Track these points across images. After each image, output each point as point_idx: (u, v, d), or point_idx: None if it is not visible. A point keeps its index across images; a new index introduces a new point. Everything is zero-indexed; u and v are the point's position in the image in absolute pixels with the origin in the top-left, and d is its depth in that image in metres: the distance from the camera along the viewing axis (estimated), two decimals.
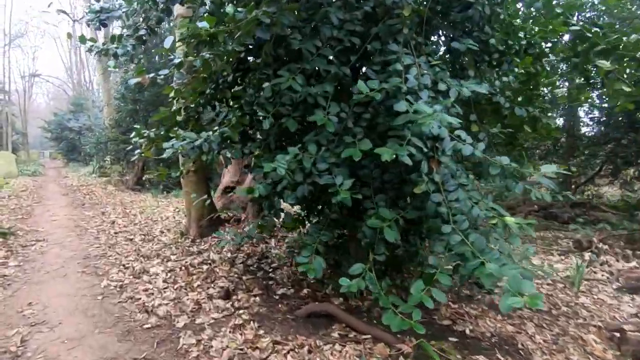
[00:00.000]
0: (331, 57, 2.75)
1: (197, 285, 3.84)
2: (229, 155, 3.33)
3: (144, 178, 14.43)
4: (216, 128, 2.97)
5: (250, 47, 2.89)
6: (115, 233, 6.08)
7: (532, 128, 3.80)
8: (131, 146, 3.75)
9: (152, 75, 2.89)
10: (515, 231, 2.22)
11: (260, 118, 3.08)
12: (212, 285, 3.86)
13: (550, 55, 3.84)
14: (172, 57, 2.82)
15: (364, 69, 3.02)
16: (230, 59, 2.68)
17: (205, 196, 5.48)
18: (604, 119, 9.12)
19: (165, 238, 5.61)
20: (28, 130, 37.98)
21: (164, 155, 3.05)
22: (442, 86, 2.57)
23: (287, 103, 2.59)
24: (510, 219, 2.25)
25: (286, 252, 4.97)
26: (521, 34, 3.57)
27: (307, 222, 3.84)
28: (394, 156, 2.06)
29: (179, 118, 3.67)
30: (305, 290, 3.78)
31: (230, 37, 2.34)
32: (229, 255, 4.76)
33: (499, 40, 3.32)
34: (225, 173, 6.98)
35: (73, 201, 9.48)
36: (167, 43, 2.50)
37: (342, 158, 2.51)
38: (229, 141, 3.03)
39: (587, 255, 5.16)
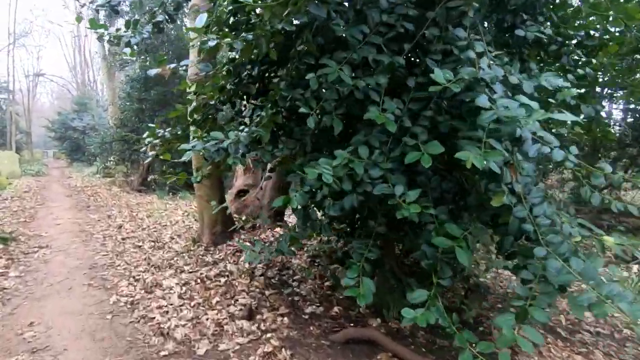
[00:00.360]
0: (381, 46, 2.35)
1: (216, 302, 3.46)
2: (247, 157, 2.95)
3: (149, 179, 14.10)
4: (242, 127, 2.59)
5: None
6: (123, 239, 5.70)
7: (586, 129, 3.40)
8: (142, 147, 3.39)
9: (173, 65, 2.52)
10: (617, 252, 1.83)
11: (294, 117, 2.71)
12: (233, 302, 3.47)
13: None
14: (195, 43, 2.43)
15: (414, 61, 2.62)
16: (274, 42, 2.28)
17: (215, 202, 5.12)
18: (631, 119, 8.68)
19: (176, 245, 5.22)
20: (32, 129, 37.79)
21: (184, 158, 2.67)
22: (513, 79, 2.18)
23: (333, 98, 2.20)
24: (609, 239, 1.85)
25: (308, 262, 4.58)
26: (577, 23, 3.17)
27: (339, 235, 3.46)
28: (475, 163, 1.67)
29: (196, 116, 3.29)
30: (336, 309, 3.39)
31: (275, 16, 1.95)
32: (247, 266, 4.38)
33: (556, 30, 2.93)
34: (238, 176, 6.61)
35: (77, 203, 9.11)
36: (201, 21, 2.12)
37: (395, 164, 2.13)
38: (258, 142, 2.64)
39: None
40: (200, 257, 4.71)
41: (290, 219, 7.00)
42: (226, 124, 3.93)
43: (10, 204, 8.38)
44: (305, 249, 5.14)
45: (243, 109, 3.75)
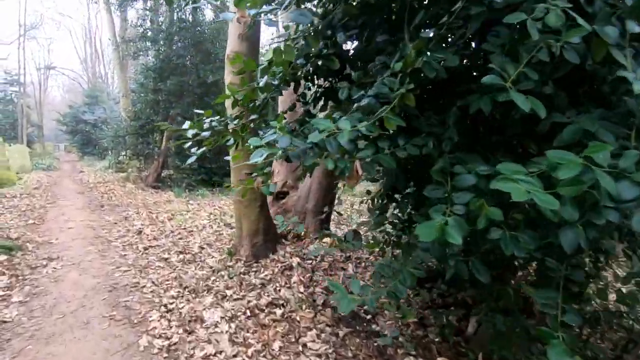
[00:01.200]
0: None
1: (280, 349, 2.59)
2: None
3: (163, 174, 13.33)
4: (354, 112, 1.68)
5: None
6: (145, 249, 4.86)
7: None
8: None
9: (254, 12, 1.63)
10: None
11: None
12: (301, 349, 2.60)
13: None
14: None
15: None
16: None
17: (256, 207, 4.26)
18: None
19: (210, 259, 4.36)
20: (44, 123, 37.37)
21: (254, 160, 1.78)
22: None
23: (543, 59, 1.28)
24: None
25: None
26: None
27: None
28: None
29: (257, 101, 2.40)
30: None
31: None
32: (301, 289, 3.51)
33: None
34: (274, 175, 5.72)
35: (90, 201, 8.32)
36: None
37: None
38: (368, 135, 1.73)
39: None
40: (243, 276, 3.84)
41: (340, 227, 6.13)
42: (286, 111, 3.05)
43: (20, 202, 7.61)
44: (364, 263, 4.28)
45: (307, 90, 2.85)
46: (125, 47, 17.52)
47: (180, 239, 5.34)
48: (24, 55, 28.28)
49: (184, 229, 5.88)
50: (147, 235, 5.52)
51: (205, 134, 2.26)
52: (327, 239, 4.72)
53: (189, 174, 12.43)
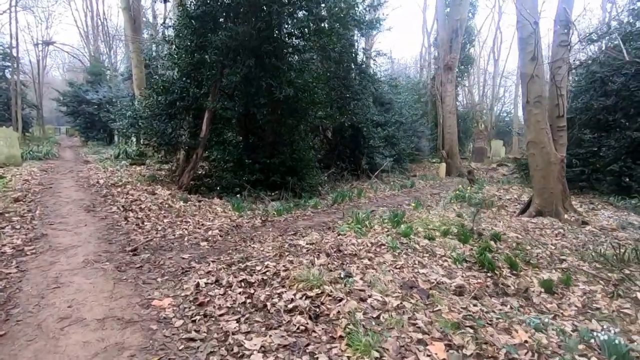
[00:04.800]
0: None
1: None
2: None
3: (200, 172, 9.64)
4: None
5: None
6: None
7: None
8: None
9: None
10: None
11: None
12: None
13: None
14: None
15: None
16: None
17: None
18: None
19: None
20: (43, 104, 33.27)
21: None
22: None
23: None
24: None
25: None
26: None
27: None
28: None
29: None
30: None
31: None
32: None
33: None
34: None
35: (108, 234, 4.60)
36: None
37: None
38: None
39: None
40: None
41: None
42: None
43: None
44: None
45: None
46: (137, 5, 13.57)
47: None
48: (17, 26, 23.89)
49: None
50: None
51: None
52: None
53: (232, 173, 8.70)
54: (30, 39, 39.05)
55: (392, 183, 11.13)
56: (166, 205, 6.08)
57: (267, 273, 3.22)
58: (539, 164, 6.50)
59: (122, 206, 5.82)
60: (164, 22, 8.63)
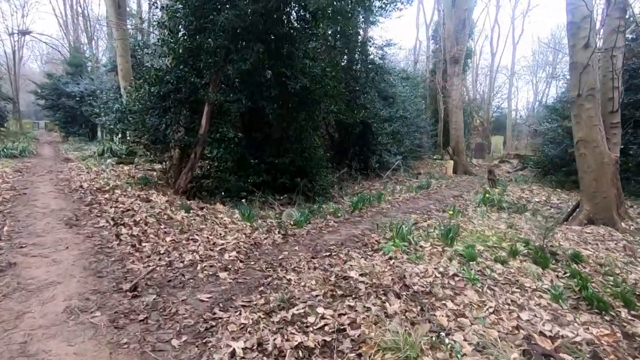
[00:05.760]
0: None
1: None
2: None
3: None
4: None
5: None
6: None
7: None
8: None
9: None
10: None
11: None
12: None
13: None
14: None
15: None
16: None
17: None
18: None
19: None
20: (20, 97, 31.17)
21: None
22: None
23: None
24: None
25: None
26: None
27: None
28: None
29: None
30: None
31: None
32: None
33: None
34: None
35: (95, 255, 3.61)
36: None
37: None
38: None
39: None
40: None
41: None
42: None
43: None
44: None
45: None
46: None
47: None
48: None
49: None
50: None
51: None
52: None
53: (234, 174, 7.67)
54: (4, 28, 36.60)
55: (407, 184, 10.28)
56: (165, 217, 5.06)
57: (326, 328, 2.29)
58: (590, 165, 5.73)
59: (112, 218, 4.77)
60: (154, 2, 7.45)
